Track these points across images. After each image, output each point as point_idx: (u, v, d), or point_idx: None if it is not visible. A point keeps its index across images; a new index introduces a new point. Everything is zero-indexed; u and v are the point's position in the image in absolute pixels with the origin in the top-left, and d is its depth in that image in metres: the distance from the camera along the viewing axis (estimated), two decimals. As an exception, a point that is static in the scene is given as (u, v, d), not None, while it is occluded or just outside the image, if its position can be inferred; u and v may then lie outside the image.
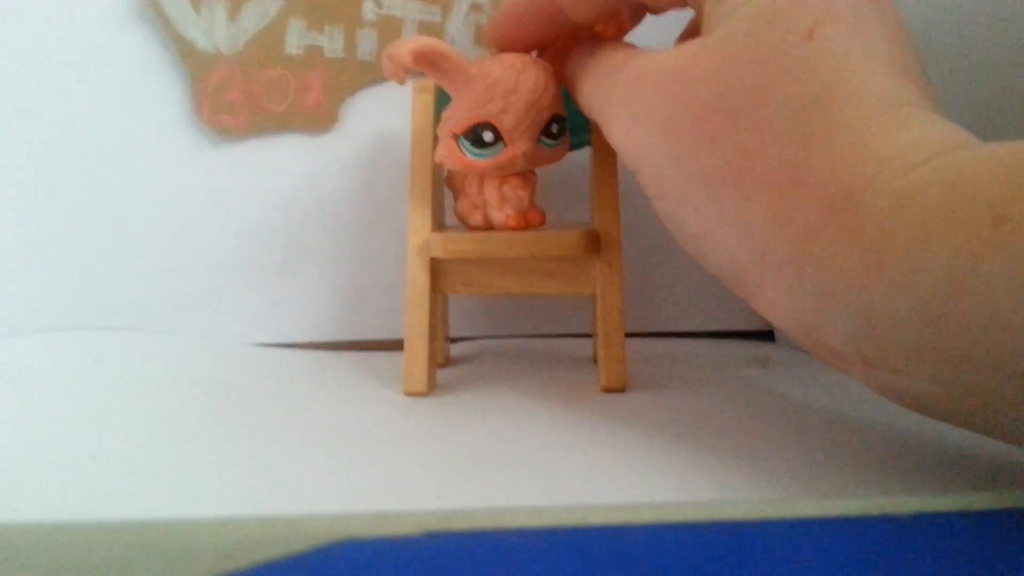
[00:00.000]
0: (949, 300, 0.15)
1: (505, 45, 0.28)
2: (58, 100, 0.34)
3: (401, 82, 0.27)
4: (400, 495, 0.18)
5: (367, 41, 0.36)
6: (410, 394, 0.28)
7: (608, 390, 0.28)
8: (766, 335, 0.37)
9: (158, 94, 0.35)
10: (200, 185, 0.35)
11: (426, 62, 0.26)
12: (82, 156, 0.34)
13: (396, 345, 0.34)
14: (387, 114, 0.36)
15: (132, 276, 0.35)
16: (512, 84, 0.26)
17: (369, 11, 0.35)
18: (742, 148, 0.18)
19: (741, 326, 0.37)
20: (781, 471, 0.20)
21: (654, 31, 0.28)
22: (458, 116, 0.27)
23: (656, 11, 0.26)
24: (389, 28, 0.36)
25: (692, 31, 0.27)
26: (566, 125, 0.28)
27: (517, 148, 0.27)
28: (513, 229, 0.28)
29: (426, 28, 0.36)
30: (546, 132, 0.27)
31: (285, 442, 0.23)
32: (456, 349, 0.35)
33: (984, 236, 0.15)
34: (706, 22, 0.21)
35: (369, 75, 0.36)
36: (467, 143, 0.27)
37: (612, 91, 0.23)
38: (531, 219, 0.28)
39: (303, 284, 0.36)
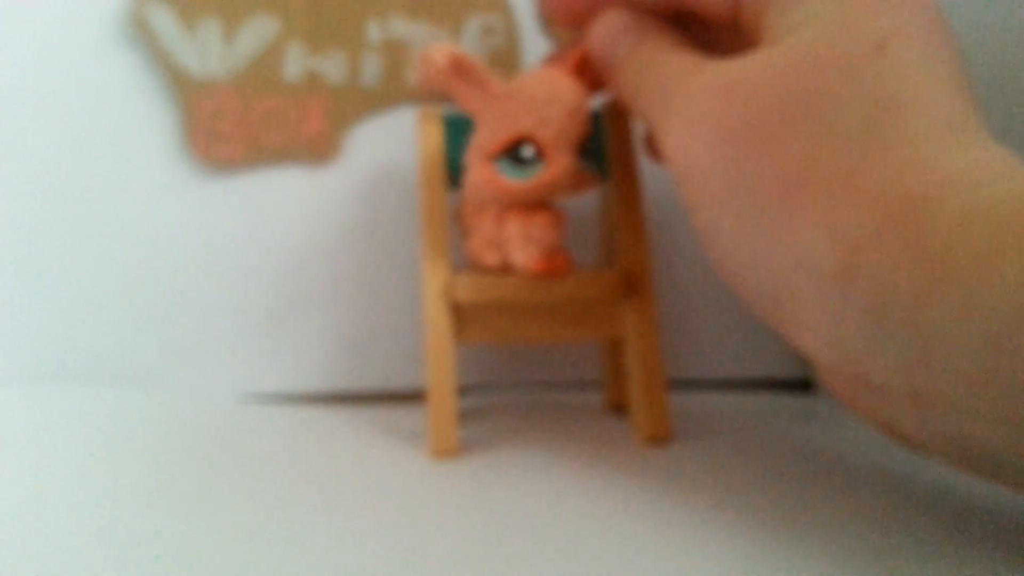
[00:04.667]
0: (1014, 323, 0.14)
1: (559, 13, 0.26)
2: (37, 131, 0.32)
3: (429, 88, 0.26)
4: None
5: (371, 66, 0.33)
6: (439, 454, 0.25)
7: (652, 439, 0.26)
8: (800, 385, 0.35)
9: (147, 124, 0.32)
10: (192, 222, 0.32)
11: (461, 72, 0.25)
12: (63, 191, 0.32)
13: (404, 396, 0.32)
14: (393, 145, 0.33)
15: (118, 322, 0.32)
16: (549, 94, 0.25)
17: (374, 33, 0.33)
18: (799, 153, 0.18)
19: (773, 373, 0.35)
20: (856, 549, 0.18)
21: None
22: (491, 136, 0.25)
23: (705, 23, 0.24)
24: (394, 52, 0.33)
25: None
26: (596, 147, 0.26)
27: (560, 164, 0.25)
28: (538, 274, 0.25)
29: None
30: (583, 151, 0.25)
31: (300, 518, 0.20)
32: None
33: None
34: (768, 35, 0.20)
35: (374, 103, 0.33)
36: (506, 165, 0.25)
37: (671, 99, 0.22)
38: (558, 264, 0.25)
39: (301, 329, 0.33)
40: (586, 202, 0.31)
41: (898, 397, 0.17)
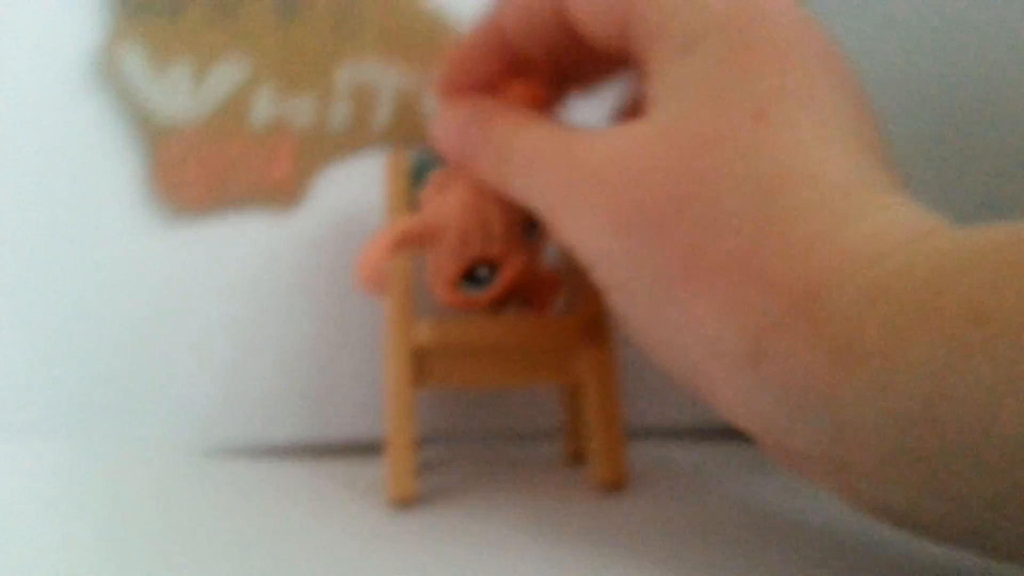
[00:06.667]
0: (928, 404, 0.14)
1: (452, 89, 0.26)
2: None
3: (372, 287, 0.26)
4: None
5: (339, 111, 0.33)
6: (395, 500, 0.25)
7: (607, 484, 0.26)
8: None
9: (112, 167, 0.32)
10: (155, 266, 0.32)
11: (406, 243, 0.25)
12: (24, 234, 0.32)
13: (367, 448, 0.32)
14: (359, 190, 0.33)
15: (74, 372, 0.32)
16: (483, 211, 0.25)
17: (343, 78, 0.33)
18: (692, 240, 0.17)
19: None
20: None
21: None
22: (449, 260, 0.25)
23: (593, 71, 0.24)
24: (363, 97, 0.34)
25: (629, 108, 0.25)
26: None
27: (512, 268, 0.26)
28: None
29: (404, 96, 0.34)
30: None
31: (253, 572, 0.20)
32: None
33: (966, 337, 0.14)
34: (651, 85, 0.20)
35: (341, 148, 0.33)
36: (465, 284, 0.26)
37: (548, 186, 0.21)
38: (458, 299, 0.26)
39: (265, 377, 0.33)
40: (548, 249, 0.31)
41: (824, 467, 0.17)
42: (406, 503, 0.25)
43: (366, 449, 0.32)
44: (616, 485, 0.26)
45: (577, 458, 0.31)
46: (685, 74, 0.18)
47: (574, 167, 0.20)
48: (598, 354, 0.27)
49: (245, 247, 0.33)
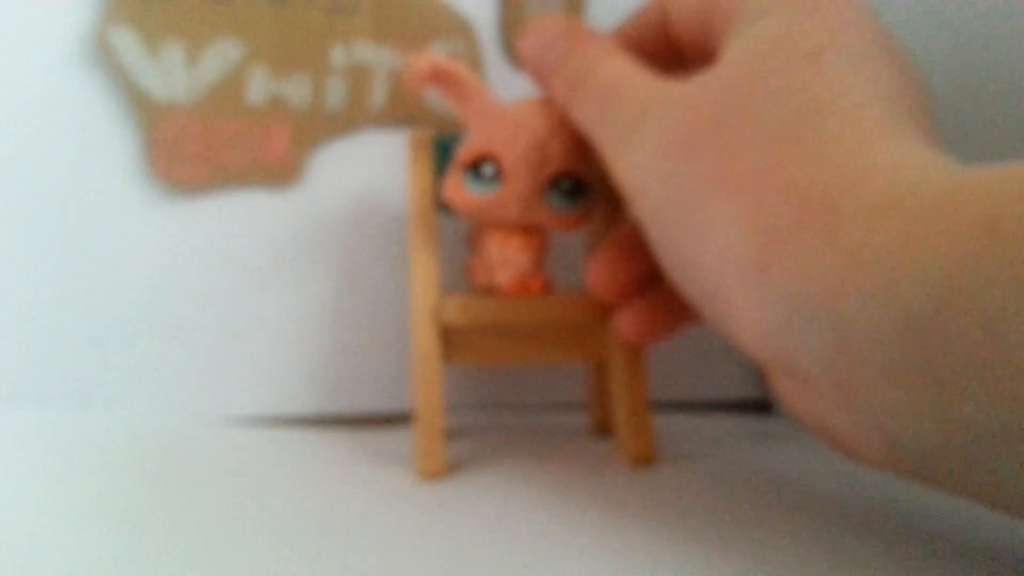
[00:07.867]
0: (937, 311, 0.14)
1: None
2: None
3: (415, 92, 0.28)
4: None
5: (335, 91, 0.33)
6: (426, 475, 0.25)
7: (637, 460, 0.26)
8: (758, 406, 0.35)
9: (109, 146, 0.32)
10: (153, 245, 0.32)
11: (440, 80, 0.26)
12: (23, 212, 0.31)
13: (369, 420, 0.32)
14: (357, 169, 0.33)
15: (76, 344, 0.31)
16: (523, 118, 0.25)
17: (338, 58, 0.33)
18: (726, 157, 0.18)
19: (731, 395, 0.35)
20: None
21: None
22: (465, 148, 0.26)
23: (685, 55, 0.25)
24: (358, 77, 0.34)
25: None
26: (587, 192, 0.26)
27: (514, 189, 0.25)
28: (510, 294, 0.26)
29: (399, 77, 0.34)
30: (556, 188, 0.26)
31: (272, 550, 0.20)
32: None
33: (977, 244, 0.14)
34: (720, 50, 0.21)
35: (337, 127, 0.33)
36: (469, 178, 0.26)
37: (614, 117, 0.22)
38: (530, 285, 0.26)
39: (264, 352, 0.33)
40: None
41: (827, 390, 0.17)
42: (435, 478, 0.25)
43: (368, 421, 0.31)
44: (645, 461, 0.26)
45: (602, 430, 0.31)
46: (751, 33, 0.20)
47: (642, 101, 0.21)
48: None
49: (245, 224, 0.33)
